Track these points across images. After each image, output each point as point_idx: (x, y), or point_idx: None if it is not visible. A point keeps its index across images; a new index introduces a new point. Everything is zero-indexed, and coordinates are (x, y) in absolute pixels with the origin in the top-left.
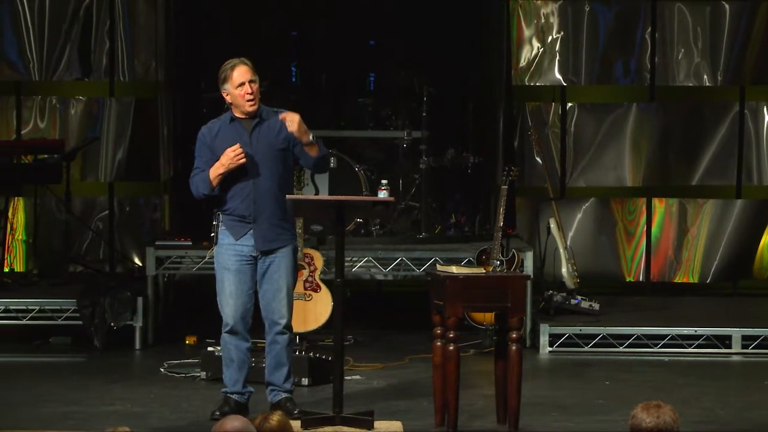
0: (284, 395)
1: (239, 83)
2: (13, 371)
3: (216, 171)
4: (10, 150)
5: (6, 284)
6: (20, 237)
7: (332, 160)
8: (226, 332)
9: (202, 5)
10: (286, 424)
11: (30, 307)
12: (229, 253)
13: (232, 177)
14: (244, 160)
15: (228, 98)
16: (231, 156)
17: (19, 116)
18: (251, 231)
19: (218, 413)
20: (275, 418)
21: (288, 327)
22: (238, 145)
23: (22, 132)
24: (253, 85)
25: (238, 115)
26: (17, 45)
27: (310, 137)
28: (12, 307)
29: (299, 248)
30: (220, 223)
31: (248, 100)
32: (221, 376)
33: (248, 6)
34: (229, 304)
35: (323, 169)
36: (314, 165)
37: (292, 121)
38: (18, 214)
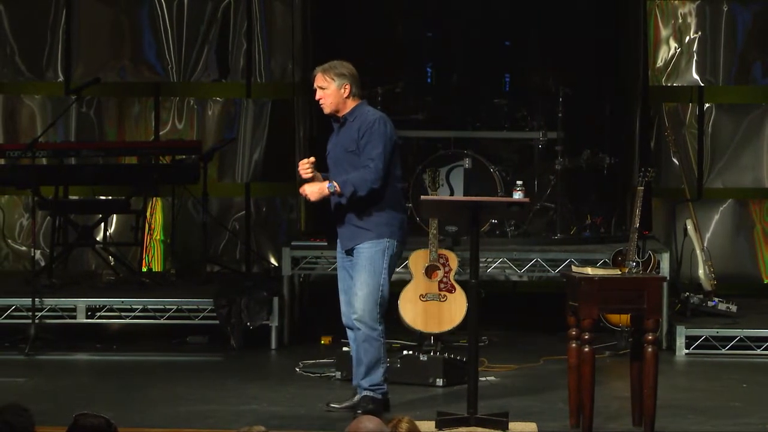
0: (363, 393)
1: (314, 89)
2: (150, 370)
3: None
4: (148, 150)
5: (144, 284)
6: (158, 237)
7: (467, 161)
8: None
9: (339, 7)
10: (415, 431)
11: (167, 307)
12: (338, 250)
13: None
14: (310, 174)
15: None
16: (299, 169)
17: (157, 117)
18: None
19: (333, 405)
20: (404, 425)
21: (361, 321)
22: (308, 159)
23: (161, 133)
24: (321, 91)
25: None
26: (156, 47)
27: (325, 191)
28: (150, 307)
29: (433, 248)
30: None
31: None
32: None
33: (384, 7)
34: (340, 299)
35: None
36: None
37: (310, 193)
38: (156, 214)
